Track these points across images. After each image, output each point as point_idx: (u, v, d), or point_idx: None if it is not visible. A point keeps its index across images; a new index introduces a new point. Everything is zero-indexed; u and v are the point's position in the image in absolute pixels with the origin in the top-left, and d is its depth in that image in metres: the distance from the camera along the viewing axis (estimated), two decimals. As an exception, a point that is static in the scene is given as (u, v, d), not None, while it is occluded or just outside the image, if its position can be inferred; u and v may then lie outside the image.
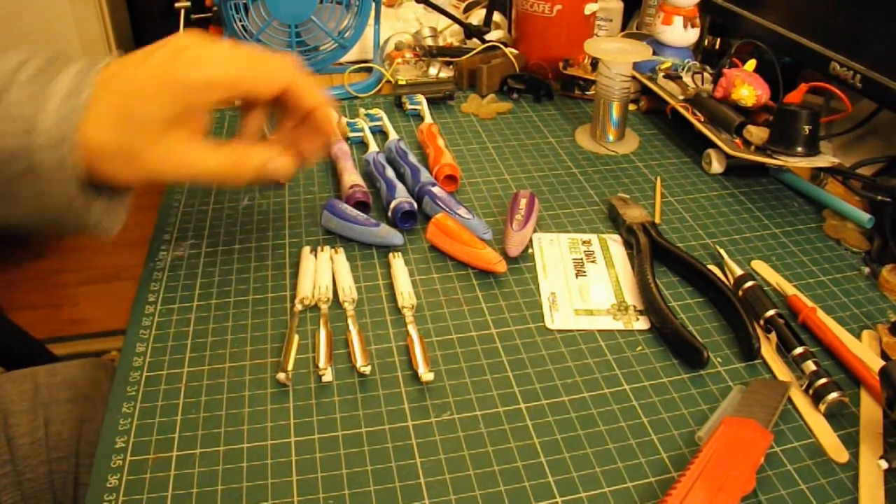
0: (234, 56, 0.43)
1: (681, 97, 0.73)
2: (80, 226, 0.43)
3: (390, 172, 0.62)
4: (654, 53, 0.74)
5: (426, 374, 0.44)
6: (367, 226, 0.56)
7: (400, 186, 0.60)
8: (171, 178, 0.45)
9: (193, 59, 0.42)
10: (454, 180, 0.64)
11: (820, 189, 0.63)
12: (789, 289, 0.51)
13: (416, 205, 0.58)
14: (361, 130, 0.72)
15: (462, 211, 0.57)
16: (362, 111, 0.77)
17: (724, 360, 0.46)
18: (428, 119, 0.73)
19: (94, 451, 0.40)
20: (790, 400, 0.43)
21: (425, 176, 0.61)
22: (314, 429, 0.41)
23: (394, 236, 0.56)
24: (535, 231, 0.58)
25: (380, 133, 0.74)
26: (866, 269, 0.54)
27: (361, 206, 0.59)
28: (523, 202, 0.58)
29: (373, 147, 0.68)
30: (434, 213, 0.57)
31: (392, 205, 0.58)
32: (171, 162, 0.43)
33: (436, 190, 0.59)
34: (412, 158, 0.64)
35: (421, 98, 0.78)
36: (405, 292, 0.50)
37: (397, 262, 0.53)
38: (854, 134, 0.70)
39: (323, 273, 0.52)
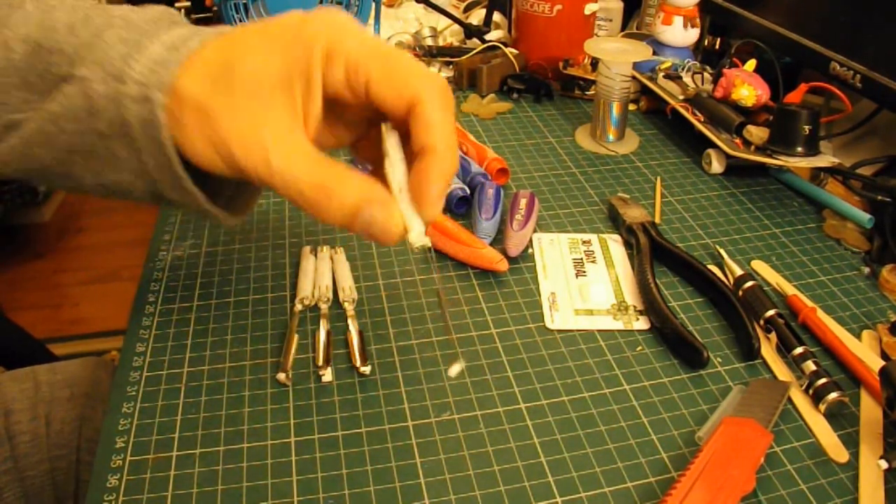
0: (374, 38, 0.34)
1: (681, 97, 0.73)
2: (185, 194, 0.36)
3: None
4: (654, 53, 0.74)
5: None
6: None
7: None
8: (243, 167, 0.33)
9: (329, 21, 0.34)
10: (506, 173, 0.65)
11: (820, 189, 0.63)
12: (789, 289, 0.51)
13: (469, 191, 0.60)
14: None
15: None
16: None
17: (724, 360, 0.46)
18: None
19: (94, 449, 0.39)
20: (790, 400, 0.43)
21: (475, 167, 0.63)
22: (314, 429, 0.41)
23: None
24: (535, 231, 0.58)
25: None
26: (866, 269, 0.54)
27: None
28: (523, 202, 0.58)
29: None
30: (485, 203, 0.58)
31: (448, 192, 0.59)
32: (250, 144, 0.33)
33: (488, 182, 0.61)
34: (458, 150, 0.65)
35: None
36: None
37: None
38: (854, 134, 0.70)
39: (323, 273, 0.52)
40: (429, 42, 0.91)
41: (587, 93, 0.82)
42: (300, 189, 0.33)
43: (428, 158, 0.34)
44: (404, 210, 0.34)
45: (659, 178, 0.66)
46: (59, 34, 0.35)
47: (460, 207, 0.60)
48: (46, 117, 0.35)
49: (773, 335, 0.46)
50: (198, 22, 0.90)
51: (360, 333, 0.47)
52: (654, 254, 0.54)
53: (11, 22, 0.35)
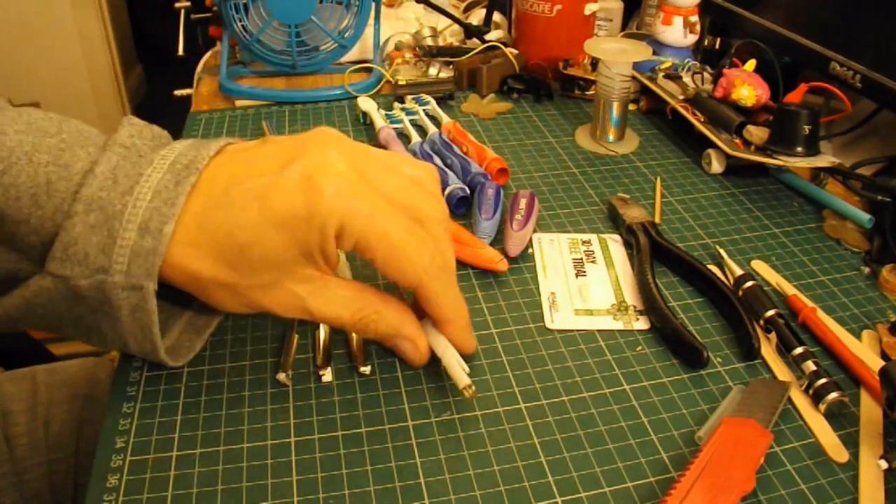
0: (386, 209, 0.35)
1: (681, 97, 0.73)
2: (152, 358, 0.39)
3: (438, 162, 0.64)
4: (654, 53, 0.74)
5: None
6: None
7: (451, 174, 0.62)
8: (283, 317, 0.39)
9: (337, 191, 0.34)
10: (505, 173, 0.65)
11: (820, 189, 0.63)
12: (789, 289, 0.51)
13: (469, 191, 0.60)
14: (401, 122, 0.73)
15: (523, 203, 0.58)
16: (397, 105, 0.77)
17: (724, 360, 0.46)
18: (446, 118, 0.73)
19: (93, 450, 0.39)
20: (790, 400, 0.43)
21: (475, 167, 0.63)
22: (314, 429, 0.41)
23: None
24: (535, 231, 0.58)
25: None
26: (866, 269, 0.54)
27: None
28: (523, 202, 0.58)
29: (416, 138, 0.69)
30: (485, 203, 0.58)
31: (447, 191, 0.60)
32: (288, 305, 0.37)
33: (488, 182, 0.61)
34: (458, 151, 0.66)
35: (429, 98, 0.79)
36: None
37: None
38: (854, 134, 0.70)
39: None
40: (429, 42, 0.91)
41: (587, 93, 0.82)
42: (341, 323, 0.39)
43: (443, 327, 0.41)
44: (451, 367, 0.42)
45: (659, 178, 0.66)
46: (23, 203, 0.33)
47: (460, 208, 0.60)
48: (30, 299, 0.35)
49: (773, 335, 0.46)
50: (197, 22, 0.90)
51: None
52: (654, 254, 0.54)
53: None
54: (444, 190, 0.60)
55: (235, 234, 0.34)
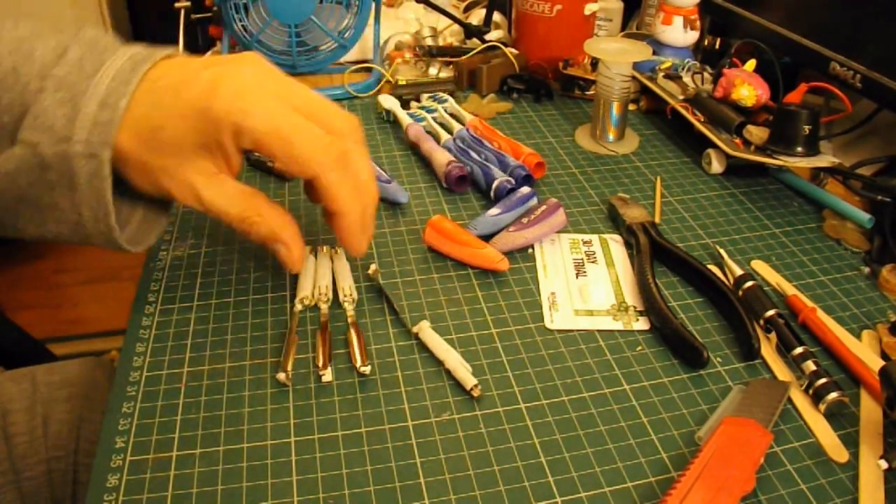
0: (281, 109, 0.39)
1: (681, 97, 0.73)
2: (109, 239, 0.42)
3: (475, 156, 0.65)
4: (654, 53, 0.74)
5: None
6: (381, 181, 0.60)
7: (494, 168, 0.63)
8: (181, 202, 0.42)
9: (237, 92, 0.39)
10: (542, 167, 0.66)
11: (820, 189, 0.63)
12: (789, 289, 0.51)
13: (514, 182, 0.61)
14: (424, 120, 0.73)
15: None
16: (415, 104, 0.78)
17: (724, 360, 0.46)
18: (469, 115, 0.73)
19: (92, 450, 0.40)
20: (790, 400, 0.43)
21: (513, 161, 0.64)
22: (314, 429, 0.41)
23: (400, 195, 0.61)
24: (543, 240, 0.57)
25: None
26: (866, 269, 0.54)
27: (460, 181, 0.63)
28: (540, 209, 0.57)
29: (445, 135, 0.70)
30: (504, 200, 0.59)
31: (495, 184, 0.61)
32: (183, 190, 0.41)
33: (526, 175, 0.63)
34: (489, 146, 0.67)
35: (447, 96, 0.79)
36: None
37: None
38: (854, 134, 0.70)
39: (323, 273, 0.52)
40: (429, 42, 0.91)
41: (587, 93, 0.82)
42: (228, 219, 0.42)
43: (337, 220, 0.43)
44: (456, 369, 0.44)
45: (659, 178, 0.66)
46: None
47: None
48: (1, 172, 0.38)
49: (773, 335, 0.46)
50: (198, 22, 0.90)
51: (360, 333, 0.47)
52: (654, 254, 0.54)
53: None
54: (491, 183, 0.61)
55: (151, 116, 0.39)
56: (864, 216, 0.57)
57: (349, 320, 0.48)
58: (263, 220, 0.42)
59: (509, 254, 0.55)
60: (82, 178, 0.38)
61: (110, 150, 0.38)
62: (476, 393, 0.43)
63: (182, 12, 0.91)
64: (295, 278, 0.52)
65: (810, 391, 0.42)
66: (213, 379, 0.44)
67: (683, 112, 0.71)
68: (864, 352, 0.46)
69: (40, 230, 0.41)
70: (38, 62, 0.38)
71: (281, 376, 0.44)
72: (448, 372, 0.45)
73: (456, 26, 0.94)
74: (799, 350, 0.44)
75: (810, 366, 0.43)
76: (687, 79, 0.75)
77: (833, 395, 0.41)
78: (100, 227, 0.40)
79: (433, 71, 0.87)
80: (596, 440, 0.40)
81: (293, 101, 0.40)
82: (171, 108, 0.39)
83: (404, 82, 0.81)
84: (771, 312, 0.47)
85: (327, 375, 0.44)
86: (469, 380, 0.43)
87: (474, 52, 0.86)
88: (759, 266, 0.55)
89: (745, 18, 0.79)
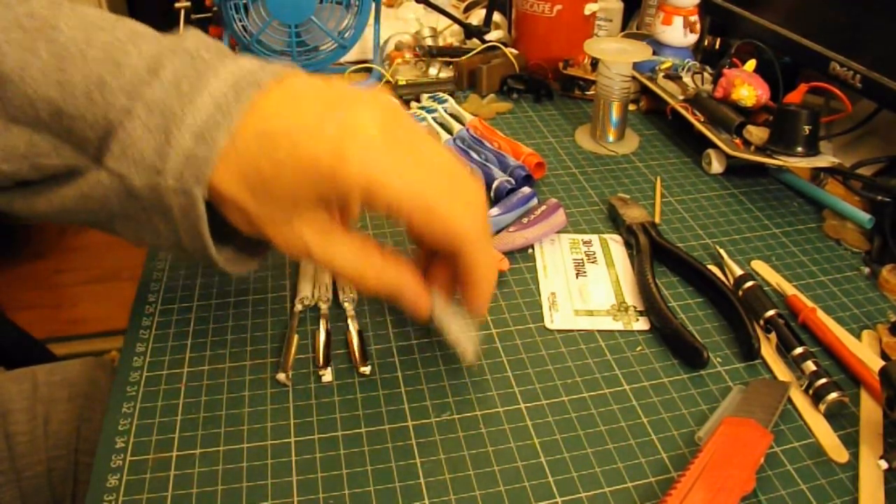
0: (418, 173, 0.35)
1: (681, 97, 0.73)
2: (210, 263, 0.39)
3: (475, 156, 0.65)
4: (654, 53, 0.74)
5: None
6: None
7: (494, 168, 0.63)
8: (285, 253, 0.39)
9: (368, 147, 0.34)
10: (542, 167, 0.66)
11: (820, 189, 0.63)
12: (789, 289, 0.51)
13: (514, 183, 0.62)
14: (425, 120, 0.74)
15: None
16: (415, 105, 0.78)
17: (724, 360, 0.46)
18: (469, 116, 0.74)
19: (92, 449, 0.40)
20: (790, 400, 0.43)
21: (513, 161, 0.64)
22: (314, 429, 0.41)
23: None
24: (542, 240, 0.57)
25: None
26: (866, 269, 0.54)
27: None
28: (540, 210, 0.57)
29: (445, 136, 0.70)
30: (504, 201, 0.59)
31: (495, 184, 0.61)
32: (294, 245, 0.37)
33: (526, 175, 0.63)
34: (489, 146, 0.67)
35: (447, 97, 0.79)
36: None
37: None
38: (854, 134, 0.70)
39: (323, 273, 0.52)
40: (429, 42, 0.91)
41: (587, 93, 0.82)
42: (343, 274, 0.39)
43: (471, 290, 0.40)
44: (459, 341, 0.44)
45: (659, 178, 0.66)
46: (78, 101, 0.34)
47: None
48: (86, 193, 0.36)
49: (773, 335, 0.46)
50: (198, 22, 0.90)
51: (360, 333, 0.47)
52: (654, 254, 0.54)
53: (28, 76, 0.33)
54: (491, 183, 0.61)
55: (262, 167, 0.35)
56: (864, 216, 0.57)
57: (349, 320, 0.48)
58: (380, 279, 0.39)
59: (509, 254, 0.55)
60: (176, 210, 0.35)
61: (204, 188, 0.34)
62: (474, 363, 0.44)
63: (182, 12, 0.91)
64: (295, 278, 0.52)
65: (810, 391, 0.42)
66: (213, 379, 0.44)
67: (683, 112, 0.71)
68: (864, 352, 0.46)
69: (138, 240, 0.39)
70: (128, 75, 0.34)
71: (281, 376, 0.44)
72: (446, 371, 0.45)
73: (456, 26, 0.94)
74: (799, 350, 0.44)
75: (810, 366, 0.43)
76: (687, 79, 0.75)
77: (833, 396, 0.41)
78: (199, 253, 0.38)
79: (433, 71, 0.87)
80: (596, 440, 0.40)
81: (423, 154, 0.36)
82: (287, 162, 0.34)
83: (404, 82, 0.81)
84: (771, 312, 0.47)
85: (327, 375, 0.44)
86: (470, 351, 0.43)
87: (474, 52, 0.86)
88: (759, 266, 0.55)
89: (745, 18, 0.79)
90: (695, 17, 0.81)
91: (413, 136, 0.37)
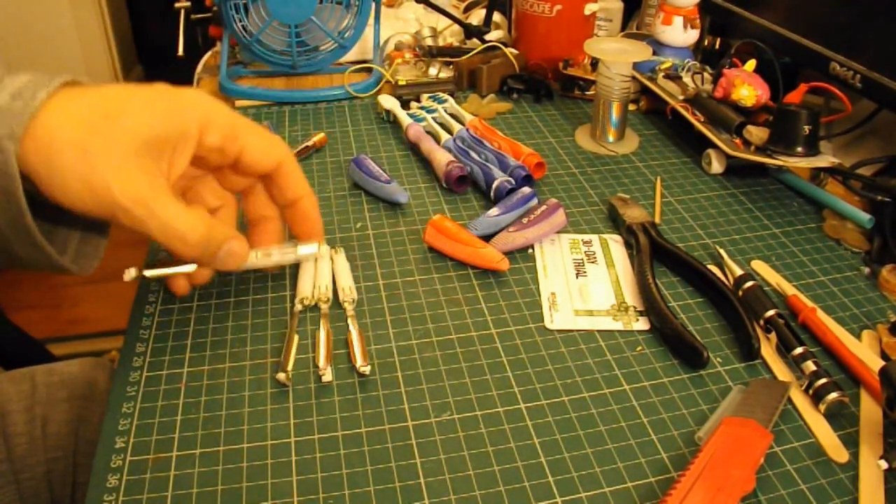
0: (237, 115, 0.42)
1: (681, 97, 0.73)
2: (43, 263, 0.38)
3: (475, 156, 0.65)
4: (654, 53, 0.74)
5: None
6: (381, 181, 0.62)
7: (495, 168, 0.63)
8: (125, 218, 0.36)
9: (199, 95, 0.40)
10: (542, 167, 0.66)
11: (820, 189, 0.63)
12: (789, 289, 0.51)
13: (514, 183, 0.61)
14: (424, 120, 0.73)
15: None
16: (415, 105, 0.78)
17: (724, 360, 0.46)
18: (469, 116, 0.73)
19: (91, 450, 0.40)
20: (790, 400, 0.43)
21: (513, 161, 0.64)
22: (314, 429, 0.41)
23: (399, 195, 0.61)
24: (540, 242, 0.57)
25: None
26: (866, 269, 0.54)
27: (460, 181, 0.63)
28: (540, 210, 0.57)
29: (444, 136, 0.70)
30: (504, 201, 0.59)
31: (495, 184, 0.61)
32: (131, 190, 0.35)
33: (526, 175, 0.63)
34: (489, 146, 0.67)
35: (447, 97, 0.79)
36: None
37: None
38: (854, 134, 0.70)
39: (323, 273, 0.52)
40: (429, 42, 0.91)
41: (587, 93, 0.82)
42: (182, 234, 0.38)
43: (305, 201, 0.45)
44: (283, 259, 0.47)
45: (659, 178, 0.66)
46: None
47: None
48: None
49: (773, 335, 0.46)
50: (197, 22, 0.90)
51: (360, 333, 0.47)
52: (654, 254, 0.54)
53: None
54: (491, 183, 0.61)
55: (103, 105, 0.36)
56: (864, 216, 0.57)
57: (349, 320, 0.48)
58: (213, 228, 0.40)
59: (509, 254, 0.55)
60: None
61: (17, 144, 0.33)
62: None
63: (182, 12, 0.91)
64: (295, 278, 0.52)
65: (810, 391, 0.42)
66: (213, 379, 0.44)
67: (683, 112, 0.71)
68: (864, 352, 0.46)
69: None
70: None
71: (281, 376, 0.44)
72: (446, 371, 0.45)
73: (456, 26, 0.94)
74: (799, 350, 0.44)
75: (810, 366, 0.43)
76: (687, 79, 0.75)
77: (833, 396, 0.41)
78: (19, 233, 0.36)
79: (433, 71, 0.87)
80: (596, 440, 0.40)
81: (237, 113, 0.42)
82: (130, 98, 0.37)
83: (404, 82, 0.81)
84: (771, 312, 0.47)
85: (327, 375, 0.44)
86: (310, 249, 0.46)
87: (474, 52, 0.86)
88: (759, 266, 0.55)
89: (745, 18, 0.79)
90: (695, 17, 0.81)
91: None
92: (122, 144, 0.35)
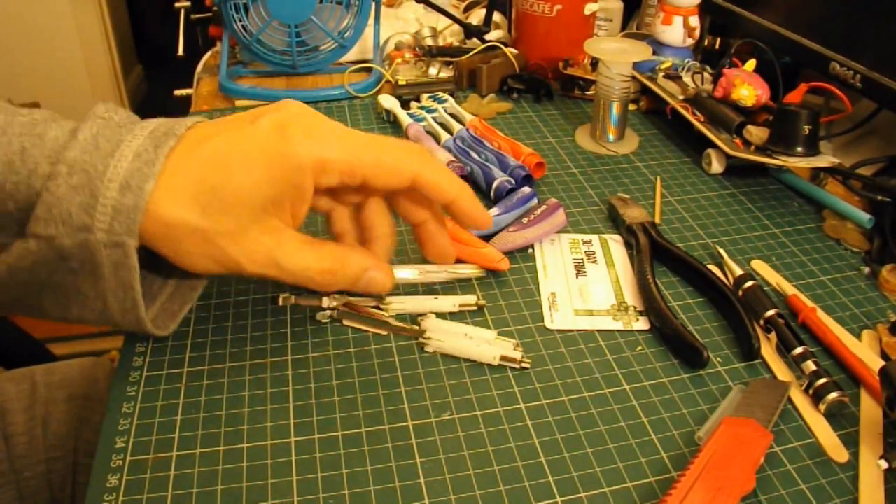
0: (353, 136, 0.39)
1: (681, 97, 0.73)
2: (137, 327, 0.39)
3: (475, 156, 0.65)
4: (654, 53, 0.74)
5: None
6: None
7: (494, 168, 0.63)
8: (250, 275, 0.38)
9: (306, 130, 0.37)
10: (542, 167, 0.66)
11: (820, 189, 0.63)
12: (789, 289, 0.51)
13: (514, 182, 0.61)
14: (424, 120, 0.74)
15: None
16: (415, 104, 0.78)
17: (724, 360, 0.46)
18: (469, 115, 0.74)
19: (91, 450, 0.40)
20: (790, 400, 0.43)
21: (513, 161, 0.64)
22: (314, 429, 0.41)
23: None
24: (543, 240, 0.57)
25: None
26: (866, 269, 0.54)
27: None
28: (540, 210, 0.57)
29: (445, 135, 0.70)
30: (505, 201, 0.59)
31: (495, 184, 0.61)
32: (257, 257, 0.37)
33: (526, 175, 0.63)
34: (489, 146, 0.67)
35: (447, 96, 0.79)
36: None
37: None
38: (854, 134, 0.70)
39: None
40: (429, 42, 0.91)
41: (587, 93, 0.82)
42: (311, 277, 0.40)
43: (457, 204, 0.42)
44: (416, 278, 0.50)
45: (659, 178, 0.66)
46: None
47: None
48: (13, 264, 0.36)
49: (773, 335, 0.46)
50: (197, 22, 0.90)
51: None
52: (654, 254, 0.54)
53: None
54: (491, 183, 0.61)
55: (206, 178, 0.36)
56: (864, 216, 0.57)
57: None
58: (348, 263, 0.41)
59: (509, 254, 0.55)
60: (107, 268, 0.35)
61: (136, 238, 0.35)
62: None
63: (182, 12, 0.91)
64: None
65: (810, 391, 0.42)
66: (213, 379, 0.44)
67: (683, 112, 0.71)
68: (864, 352, 0.46)
69: (65, 314, 0.38)
70: (49, 143, 0.35)
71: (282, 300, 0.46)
72: (446, 371, 0.45)
73: (456, 26, 0.94)
74: (799, 350, 0.44)
75: (810, 366, 0.43)
76: (687, 79, 0.75)
77: (833, 395, 0.41)
78: (127, 316, 0.38)
79: (433, 71, 0.87)
80: (596, 440, 0.40)
81: (351, 133, 0.40)
82: (232, 163, 0.36)
83: (404, 82, 0.81)
84: (771, 312, 0.47)
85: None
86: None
87: (474, 52, 0.86)
88: (759, 266, 0.55)
89: (745, 18, 0.79)
90: (695, 17, 0.81)
91: (329, 122, 0.39)
92: (240, 220, 0.37)
